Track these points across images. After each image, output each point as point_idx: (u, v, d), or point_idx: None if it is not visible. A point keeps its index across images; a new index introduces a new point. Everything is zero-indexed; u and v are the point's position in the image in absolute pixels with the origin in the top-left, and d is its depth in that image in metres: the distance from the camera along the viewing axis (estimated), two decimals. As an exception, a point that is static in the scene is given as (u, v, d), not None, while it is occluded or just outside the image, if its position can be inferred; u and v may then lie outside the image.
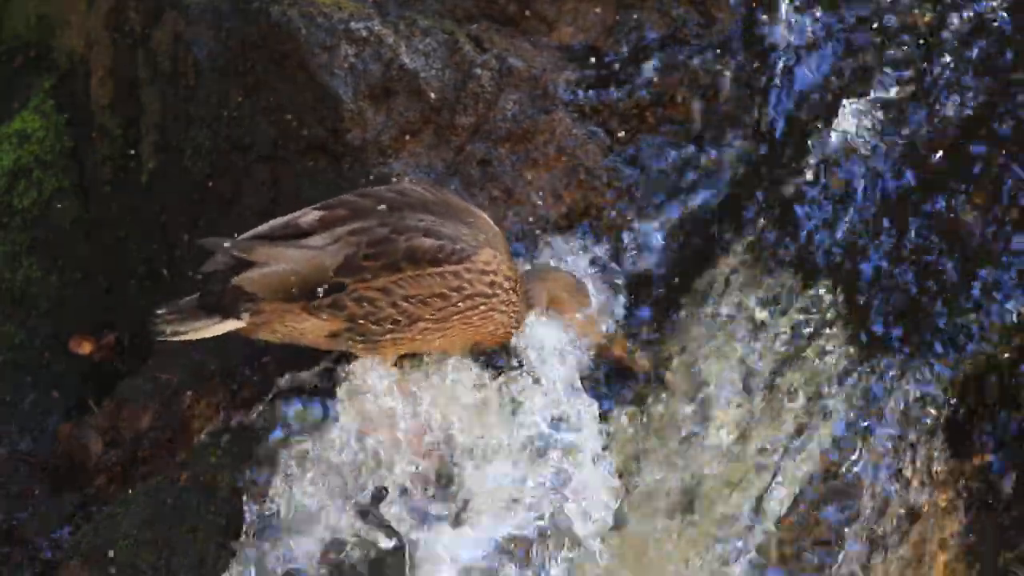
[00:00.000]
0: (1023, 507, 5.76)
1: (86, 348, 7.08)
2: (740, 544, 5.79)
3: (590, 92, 6.46)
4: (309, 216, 5.87)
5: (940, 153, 6.27)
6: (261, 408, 6.08)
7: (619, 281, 6.26)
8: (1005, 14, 6.43)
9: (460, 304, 5.80)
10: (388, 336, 5.81)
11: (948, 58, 6.43)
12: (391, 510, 5.84)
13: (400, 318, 5.78)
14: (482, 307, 5.85)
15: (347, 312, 5.77)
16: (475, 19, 6.60)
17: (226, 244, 5.87)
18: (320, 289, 5.75)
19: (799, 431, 5.85)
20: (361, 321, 5.78)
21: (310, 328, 5.82)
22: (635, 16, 6.60)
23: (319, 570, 5.85)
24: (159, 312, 5.87)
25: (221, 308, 5.83)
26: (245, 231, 6.55)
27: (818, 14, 6.56)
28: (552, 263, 6.24)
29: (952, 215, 6.15)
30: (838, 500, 5.77)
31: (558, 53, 6.57)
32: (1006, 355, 5.89)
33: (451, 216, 5.86)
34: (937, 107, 6.35)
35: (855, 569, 5.75)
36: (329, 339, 5.85)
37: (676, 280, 6.24)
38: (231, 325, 5.84)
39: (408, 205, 5.86)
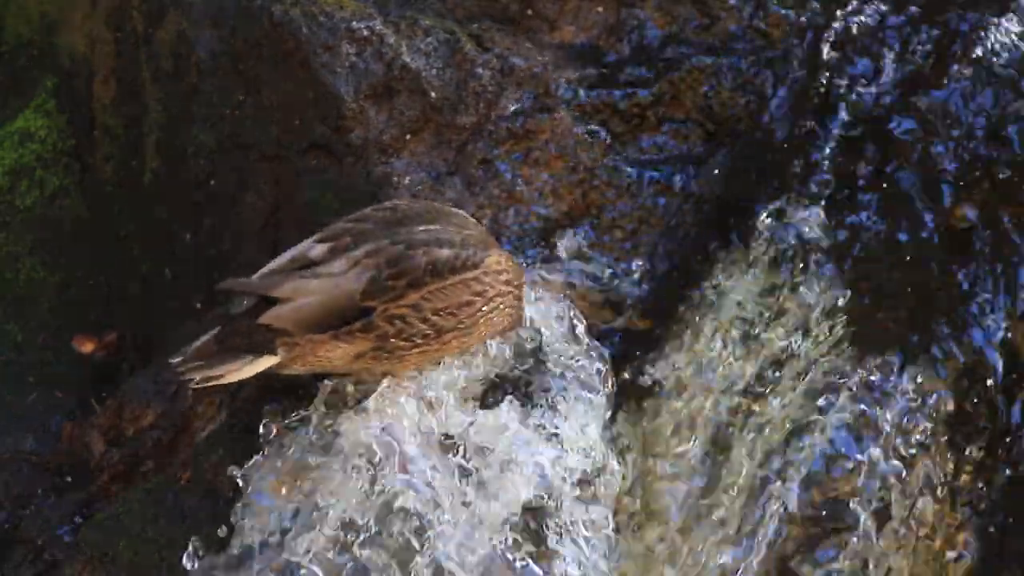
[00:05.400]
0: (1022, 508, 5.77)
1: (88, 347, 7.09)
2: (743, 545, 5.79)
3: (591, 91, 6.47)
4: (316, 249, 5.80)
5: (941, 152, 6.27)
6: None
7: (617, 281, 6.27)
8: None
9: (484, 308, 5.80)
10: (416, 350, 5.77)
11: (948, 59, 6.43)
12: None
13: (430, 331, 5.75)
14: (501, 305, 5.85)
15: (378, 332, 5.73)
16: (476, 18, 6.60)
17: (247, 282, 5.77)
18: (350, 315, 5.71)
19: (797, 430, 5.85)
20: (392, 339, 5.74)
21: (340, 355, 5.77)
22: (637, 15, 6.60)
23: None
24: (177, 360, 5.76)
25: (253, 347, 5.73)
26: (246, 230, 6.58)
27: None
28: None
29: (953, 215, 6.14)
30: (838, 500, 5.77)
31: (559, 52, 6.57)
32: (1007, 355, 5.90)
33: (446, 223, 5.85)
34: (938, 108, 6.35)
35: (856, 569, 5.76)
36: (355, 360, 5.79)
37: (674, 280, 6.25)
38: (266, 363, 5.74)
39: (406, 218, 5.84)
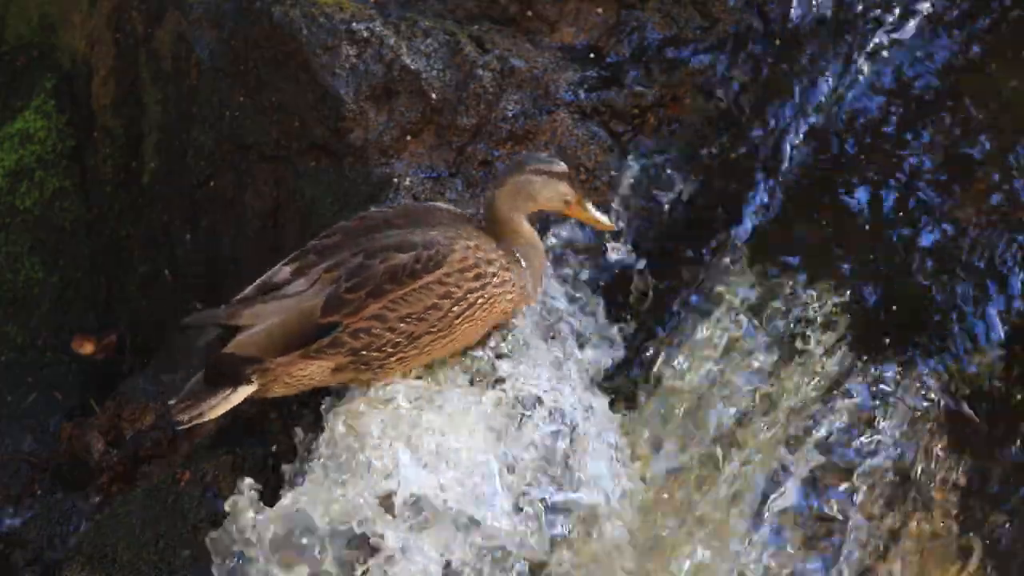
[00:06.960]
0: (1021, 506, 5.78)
1: (88, 348, 7.09)
2: (745, 547, 5.80)
3: (591, 93, 6.47)
4: (282, 272, 5.80)
5: (938, 150, 6.29)
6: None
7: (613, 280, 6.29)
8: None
9: (456, 308, 5.76)
10: (394, 359, 5.76)
11: (944, 59, 6.45)
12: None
13: (400, 339, 5.73)
14: (479, 301, 5.79)
15: (347, 347, 5.72)
16: (476, 20, 6.60)
17: (211, 314, 5.79)
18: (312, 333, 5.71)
19: (799, 431, 5.86)
20: (363, 352, 5.74)
21: (316, 371, 5.76)
22: (637, 17, 6.61)
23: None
24: (172, 403, 5.80)
25: (228, 378, 5.75)
26: (246, 231, 6.59)
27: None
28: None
29: (953, 213, 6.16)
30: (839, 499, 5.78)
31: (559, 53, 6.57)
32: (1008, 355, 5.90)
33: (415, 223, 5.82)
34: (935, 107, 6.37)
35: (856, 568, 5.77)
36: (336, 373, 5.79)
37: (673, 281, 6.26)
38: (244, 392, 5.75)
39: (372, 227, 5.82)
